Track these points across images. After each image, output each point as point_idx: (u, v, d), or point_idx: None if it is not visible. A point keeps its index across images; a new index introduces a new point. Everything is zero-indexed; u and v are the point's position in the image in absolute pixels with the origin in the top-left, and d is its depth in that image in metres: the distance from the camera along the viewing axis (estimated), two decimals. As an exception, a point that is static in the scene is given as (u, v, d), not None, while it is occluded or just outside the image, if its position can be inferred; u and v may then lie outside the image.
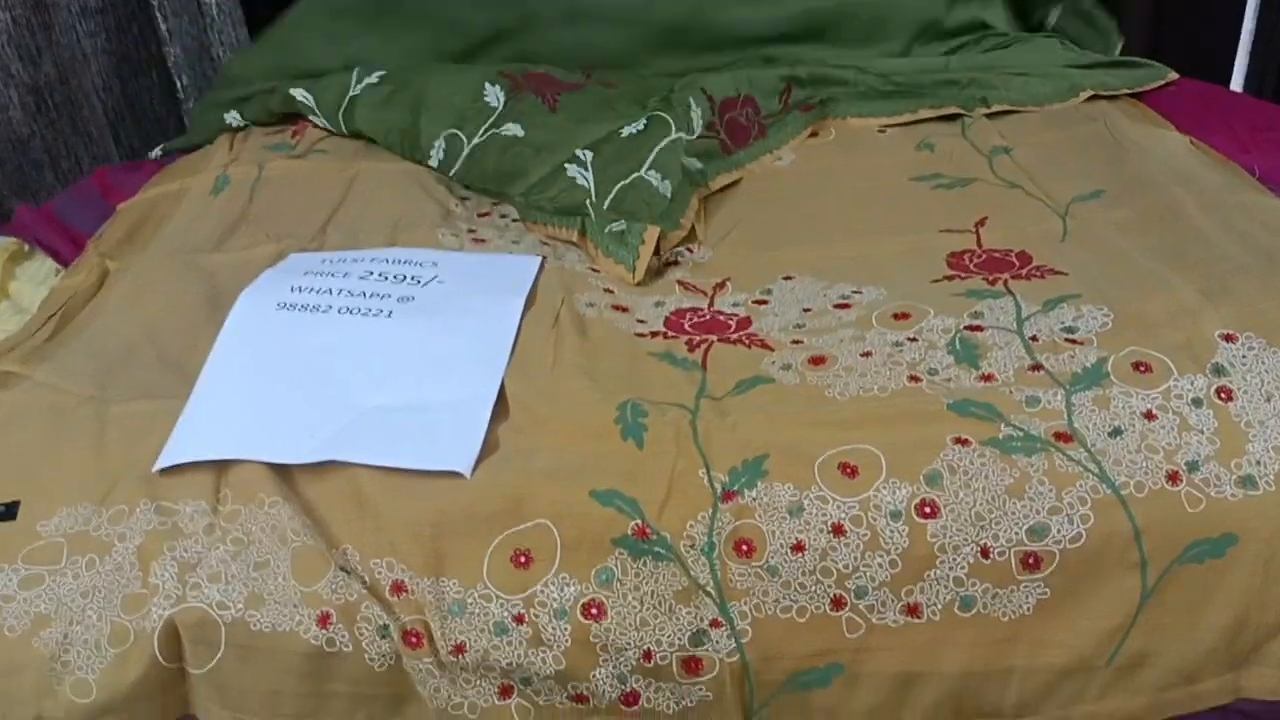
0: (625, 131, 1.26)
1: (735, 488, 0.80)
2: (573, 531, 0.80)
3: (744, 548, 0.79)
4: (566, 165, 1.22)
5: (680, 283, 1.09)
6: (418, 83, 1.38)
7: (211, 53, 1.90)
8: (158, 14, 1.79)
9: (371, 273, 1.05)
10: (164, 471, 0.84)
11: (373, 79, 1.42)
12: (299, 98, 1.44)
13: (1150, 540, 0.79)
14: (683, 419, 0.85)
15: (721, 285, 1.08)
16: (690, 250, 1.16)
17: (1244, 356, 0.86)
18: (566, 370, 0.91)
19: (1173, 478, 0.80)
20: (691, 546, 0.79)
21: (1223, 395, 0.84)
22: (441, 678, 0.79)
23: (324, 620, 0.78)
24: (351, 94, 1.41)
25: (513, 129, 1.28)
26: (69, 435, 0.88)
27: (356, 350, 0.94)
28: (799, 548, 0.79)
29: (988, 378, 0.87)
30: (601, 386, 0.89)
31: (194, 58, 1.90)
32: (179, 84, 1.91)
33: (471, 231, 1.17)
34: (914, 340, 0.93)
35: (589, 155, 1.23)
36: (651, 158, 1.22)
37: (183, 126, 1.89)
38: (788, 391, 0.88)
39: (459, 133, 1.30)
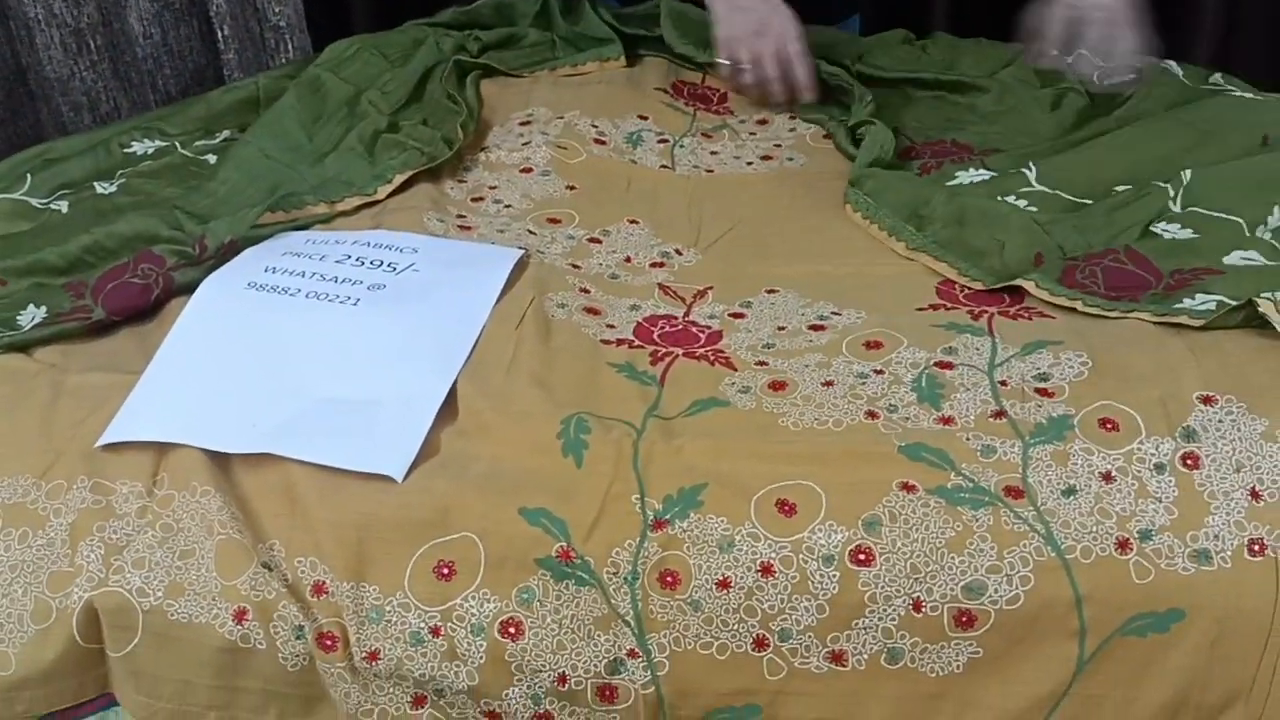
0: None
1: (667, 517, 0.79)
2: (497, 547, 0.79)
3: (668, 579, 0.78)
4: None
5: (661, 286, 1.06)
6: None
7: (255, 3, 1.90)
8: (201, -39, 1.80)
9: (349, 256, 1.04)
10: (107, 448, 0.85)
11: None
12: None
13: (1091, 608, 0.76)
14: (626, 439, 0.83)
15: (702, 294, 1.05)
16: (679, 252, 1.13)
17: (1219, 421, 0.82)
18: (520, 376, 0.89)
19: (1123, 545, 0.77)
20: (615, 574, 0.78)
21: (1189, 462, 0.80)
22: (353, 683, 0.79)
23: (240, 616, 0.78)
24: None
25: None
26: (20, 405, 0.88)
27: (315, 338, 0.93)
28: (724, 584, 0.77)
29: (947, 420, 0.84)
30: (551, 396, 0.87)
31: (236, 7, 1.89)
32: (220, 34, 1.91)
33: (460, 218, 1.15)
34: (880, 373, 0.89)
35: None
36: None
37: (221, 78, 1.89)
38: (741, 417, 0.86)
39: None
